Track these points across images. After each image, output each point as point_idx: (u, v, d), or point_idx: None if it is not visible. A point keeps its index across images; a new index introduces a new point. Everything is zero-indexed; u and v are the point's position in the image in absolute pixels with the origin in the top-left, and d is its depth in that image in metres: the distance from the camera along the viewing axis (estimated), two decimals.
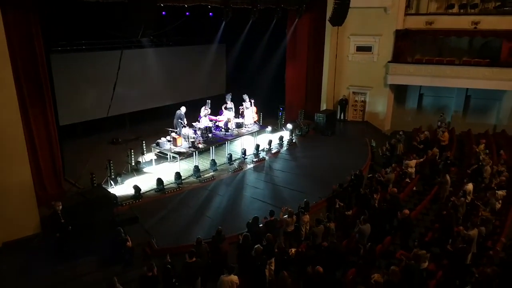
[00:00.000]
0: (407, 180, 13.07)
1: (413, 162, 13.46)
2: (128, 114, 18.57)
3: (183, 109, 15.06)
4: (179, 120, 14.92)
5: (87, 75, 16.16)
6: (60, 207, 9.23)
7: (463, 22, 18.35)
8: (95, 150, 13.48)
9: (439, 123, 18.21)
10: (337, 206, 10.56)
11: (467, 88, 19.55)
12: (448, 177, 12.26)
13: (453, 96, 20.36)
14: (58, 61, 14.51)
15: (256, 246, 8.06)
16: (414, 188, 13.24)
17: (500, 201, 11.25)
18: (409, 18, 19.24)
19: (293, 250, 8.83)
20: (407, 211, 9.84)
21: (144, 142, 14.89)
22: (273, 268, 8.34)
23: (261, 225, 9.49)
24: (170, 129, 14.94)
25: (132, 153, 13.82)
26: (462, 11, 18.90)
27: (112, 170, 12.63)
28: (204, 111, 15.61)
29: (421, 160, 13.92)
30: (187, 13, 16.63)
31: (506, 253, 8.36)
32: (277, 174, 14.51)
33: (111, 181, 12.53)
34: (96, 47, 16.17)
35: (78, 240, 9.31)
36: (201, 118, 15.54)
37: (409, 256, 8.33)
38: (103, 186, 12.08)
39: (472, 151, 15.13)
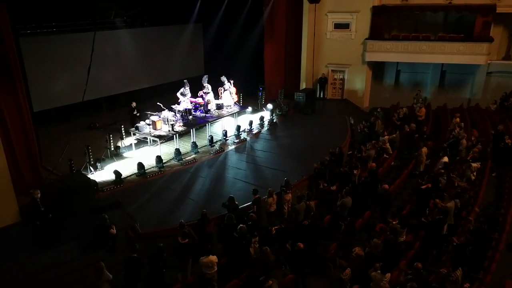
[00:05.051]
0: (385, 156, 13.36)
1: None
2: (104, 98, 18.15)
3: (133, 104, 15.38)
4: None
5: (59, 59, 15.63)
6: (39, 195, 9.08)
7: None
8: (72, 136, 13.14)
9: (414, 100, 18.56)
10: (322, 186, 10.70)
11: (443, 64, 19.90)
12: (424, 151, 12.58)
13: (429, 71, 20.73)
14: (28, 44, 13.93)
15: (240, 226, 8.17)
16: (392, 163, 13.56)
17: (475, 173, 11.65)
18: None
19: (274, 228, 8.97)
20: (386, 186, 10.10)
21: (122, 126, 14.64)
22: (257, 246, 8.49)
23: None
24: (149, 112, 14.74)
25: (111, 138, 13.58)
26: None
27: (91, 156, 12.40)
28: (184, 91, 15.39)
29: (394, 136, 14.13)
30: None
31: (478, 222, 8.73)
32: (258, 155, 14.58)
33: (91, 167, 12.33)
34: (67, 29, 15.57)
35: (59, 227, 9.21)
36: (180, 100, 15.33)
37: (387, 229, 8.61)
38: (83, 172, 11.90)
39: (447, 125, 15.51)
